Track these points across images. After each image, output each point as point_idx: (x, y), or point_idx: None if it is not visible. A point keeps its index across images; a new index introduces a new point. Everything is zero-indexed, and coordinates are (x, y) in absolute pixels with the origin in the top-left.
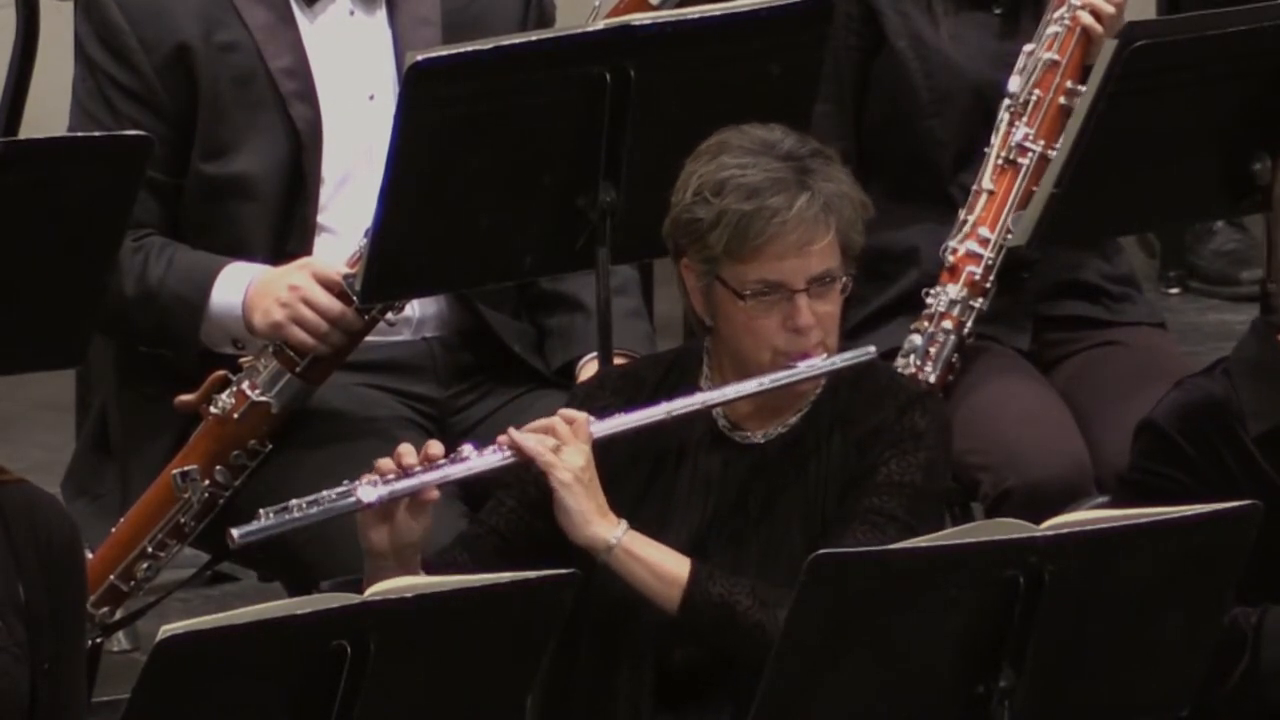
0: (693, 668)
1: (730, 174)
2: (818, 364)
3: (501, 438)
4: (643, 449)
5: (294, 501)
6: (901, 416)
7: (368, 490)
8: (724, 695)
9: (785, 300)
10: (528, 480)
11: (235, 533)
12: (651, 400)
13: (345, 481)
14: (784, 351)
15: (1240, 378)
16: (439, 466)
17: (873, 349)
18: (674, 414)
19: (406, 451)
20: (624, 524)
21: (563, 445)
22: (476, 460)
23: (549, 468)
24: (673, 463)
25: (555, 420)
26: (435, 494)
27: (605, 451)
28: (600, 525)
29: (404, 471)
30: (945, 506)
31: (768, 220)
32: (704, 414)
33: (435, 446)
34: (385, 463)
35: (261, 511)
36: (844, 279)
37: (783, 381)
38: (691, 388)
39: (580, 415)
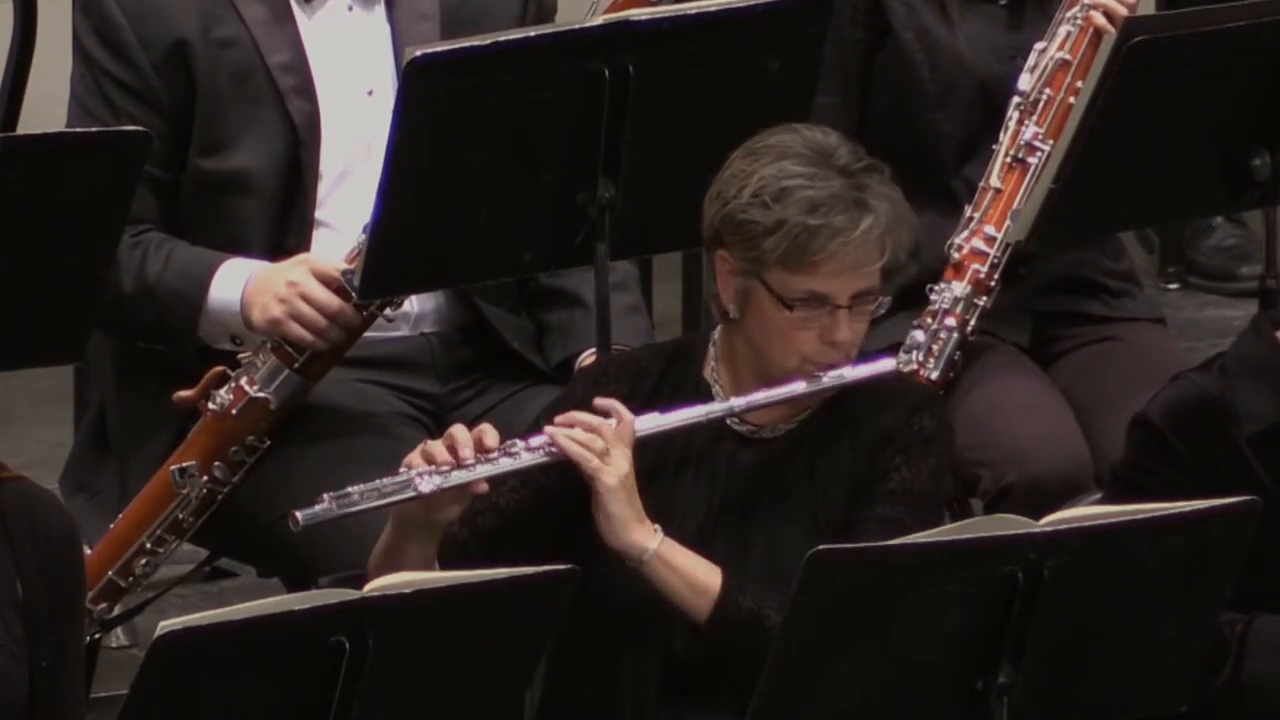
0: (696, 660)
1: (795, 183)
2: (843, 374)
3: (548, 429)
4: (648, 438)
5: (354, 489)
6: (910, 419)
7: (425, 481)
8: (728, 688)
9: (826, 314)
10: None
11: (299, 515)
12: (657, 390)
13: (403, 469)
14: (813, 361)
15: (1237, 376)
16: (491, 459)
17: (893, 362)
18: (711, 417)
19: (463, 441)
20: (659, 531)
21: (609, 449)
22: (526, 455)
23: (596, 473)
24: (678, 454)
25: (602, 422)
26: (485, 487)
27: None
28: (638, 532)
29: (458, 461)
30: (946, 504)
31: (830, 238)
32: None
33: (490, 436)
34: (437, 449)
35: (326, 496)
36: (881, 299)
37: (812, 392)
38: (695, 378)
39: (626, 415)
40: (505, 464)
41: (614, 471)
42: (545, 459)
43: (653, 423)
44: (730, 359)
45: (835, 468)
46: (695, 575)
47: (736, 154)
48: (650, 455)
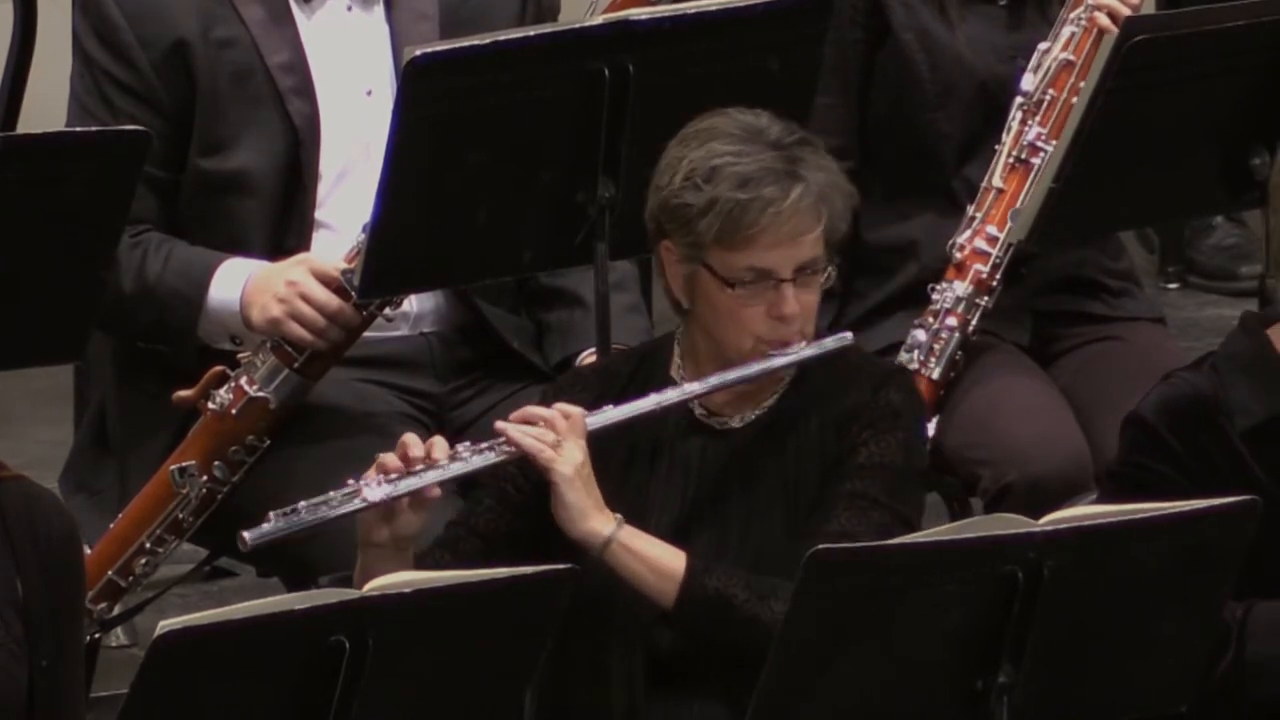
0: (683, 653)
1: (724, 161)
2: (801, 351)
3: (499, 425)
4: (618, 438)
5: (301, 504)
6: (876, 395)
7: (373, 490)
8: (718, 679)
9: (771, 289)
10: (505, 479)
11: (247, 536)
12: (624, 393)
13: (350, 480)
14: (766, 339)
15: (1228, 373)
16: (442, 465)
17: (850, 335)
18: (663, 405)
19: (412, 443)
20: (619, 519)
21: (562, 440)
22: (477, 458)
23: (550, 463)
24: (649, 452)
25: (554, 414)
26: (438, 491)
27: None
28: (597, 520)
29: (408, 468)
30: (924, 483)
31: (761, 210)
32: (680, 402)
33: (439, 445)
34: (389, 459)
35: (271, 514)
36: (828, 269)
37: (766, 370)
38: (662, 378)
39: (576, 410)
40: (455, 467)
41: (568, 460)
42: (498, 458)
43: (605, 416)
44: (692, 353)
45: (805, 449)
46: (659, 560)
47: (671, 143)
48: (622, 454)
